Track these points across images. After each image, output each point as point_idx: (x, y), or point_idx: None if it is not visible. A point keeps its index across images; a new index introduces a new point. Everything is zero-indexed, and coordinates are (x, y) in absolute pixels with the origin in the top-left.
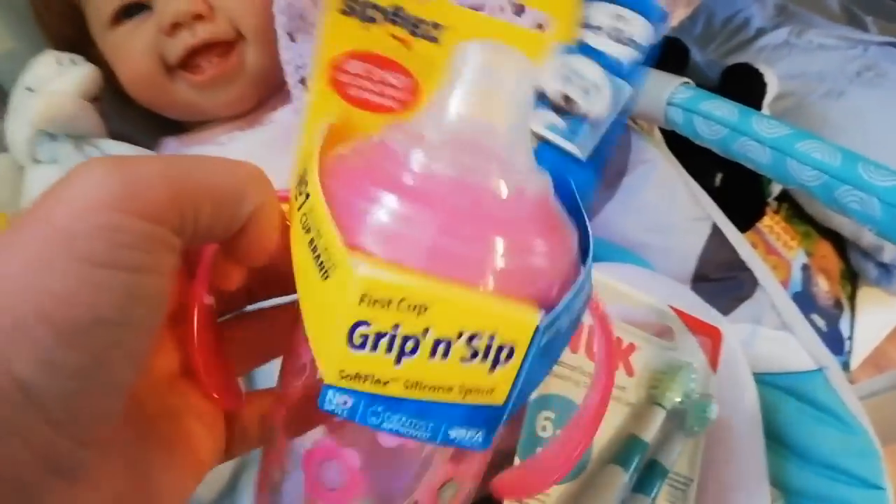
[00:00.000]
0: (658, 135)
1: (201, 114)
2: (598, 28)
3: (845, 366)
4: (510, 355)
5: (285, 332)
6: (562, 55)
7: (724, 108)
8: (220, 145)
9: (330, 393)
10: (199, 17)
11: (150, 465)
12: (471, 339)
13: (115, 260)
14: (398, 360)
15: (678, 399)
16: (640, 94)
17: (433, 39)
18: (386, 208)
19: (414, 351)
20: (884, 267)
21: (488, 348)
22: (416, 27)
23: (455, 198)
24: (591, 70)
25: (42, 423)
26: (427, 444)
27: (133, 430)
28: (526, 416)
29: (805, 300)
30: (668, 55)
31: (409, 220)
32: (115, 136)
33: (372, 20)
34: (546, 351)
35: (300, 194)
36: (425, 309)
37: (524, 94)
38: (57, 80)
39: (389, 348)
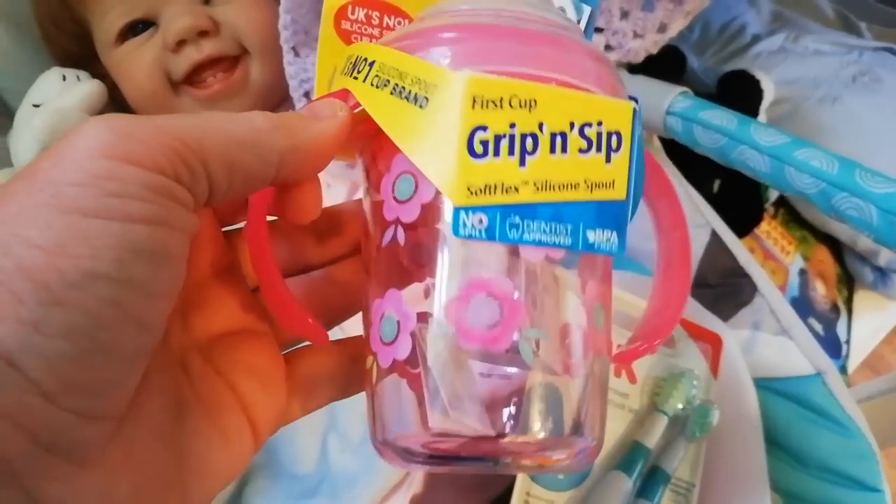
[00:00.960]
0: (657, 143)
1: None
2: None
3: (843, 369)
4: (619, 143)
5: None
6: None
7: (723, 117)
8: None
9: (462, 215)
10: (204, 34)
11: (191, 439)
12: (582, 129)
13: (108, 209)
14: (522, 161)
15: (680, 405)
16: (641, 104)
17: None
18: (457, 37)
19: (535, 149)
20: (880, 271)
21: (599, 137)
22: None
23: (514, 27)
24: None
25: (31, 394)
26: (570, 251)
27: (166, 399)
28: None
29: (802, 305)
30: (666, 62)
31: (485, 40)
32: None
33: None
34: (640, 152)
35: (357, 73)
36: (535, 103)
37: None
38: (62, 97)
39: (511, 150)
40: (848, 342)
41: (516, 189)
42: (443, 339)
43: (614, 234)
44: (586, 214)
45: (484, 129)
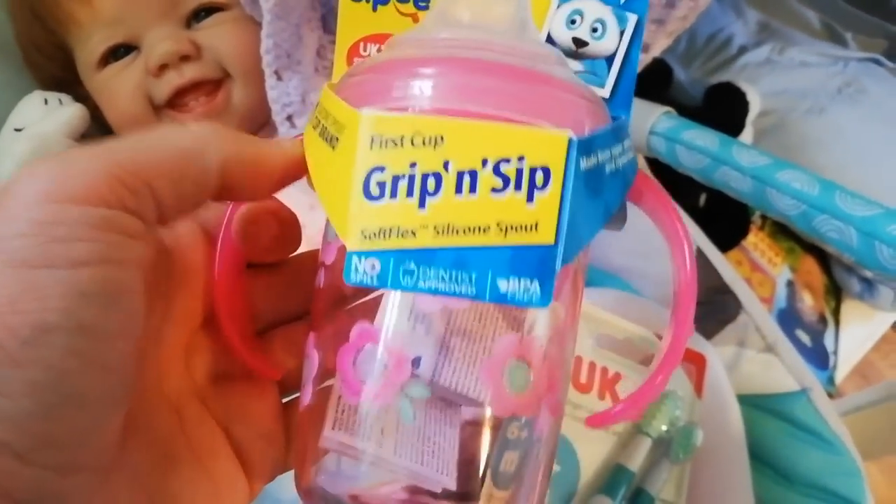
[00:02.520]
0: (641, 161)
1: None
2: None
3: (830, 380)
4: (546, 180)
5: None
6: (563, 1)
7: (706, 138)
8: None
9: (354, 260)
10: (186, 58)
11: (179, 490)
12: (497, 166)
13: (53, 257)
14: (422, 203)
15: (664, 427)
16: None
17: None
18: (386, 72)
19: (437, 189)
20: (867, 281)
21: (519, 174)
22: (420, 1)
23: (458, 56)
24: (593, 7)
25: (3, 456)
26: (474, 301)
27: (155, 448)
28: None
29: (790, 316)
30: (653, 75)
31: (412, 75)
32: None
33: (381, 2)
34: (590, 186)
35: (312, 116)
36: (441, 139)
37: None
38: (44, 121)
39: (410, 191)
40: (835, 353)
41: (413, 233)
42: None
43: (535, 283)
44: (497, 261)
45: (381, 169)
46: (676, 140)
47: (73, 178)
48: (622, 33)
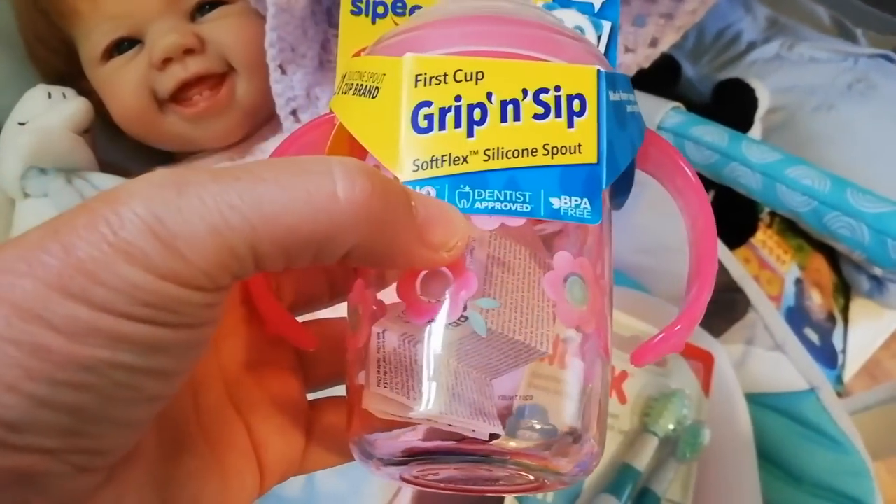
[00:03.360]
0: None
1: (192, 145)
2: None
3: (839, 379)
4: (583, 106)
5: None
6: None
7: (715, 133)
8: None
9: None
10: (190, 52)
11: (185, 481)
12: (537, 95)
13: (137, 315)
14: (470, 132)
15: (671, 426)
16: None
17: None
18: (415, 30)
19: (483, 119)
20: (876, 279)
21: (558, 101)
22: None
23: (484, 13)
24: (571, 16)
25: (30, 454)
26: (531, 219)
27: (165, 434)
28: None
29: (798, 314)
30: (661, 71)
31: (442, 26)
32: (106, 165)
33: (379, 15)
34: (618, 117)
35: (336, 90)
36: (482, 75)
37: None
38: (48, 115)
39: (458, 122)
40: (844, 351)
41: (465, 159)
42: (389, 337)
43: (585, 200)
44: (547, 180)
45: (428, 104)
46: (685, 135)
47: (177, 250)
48: (599, 38)
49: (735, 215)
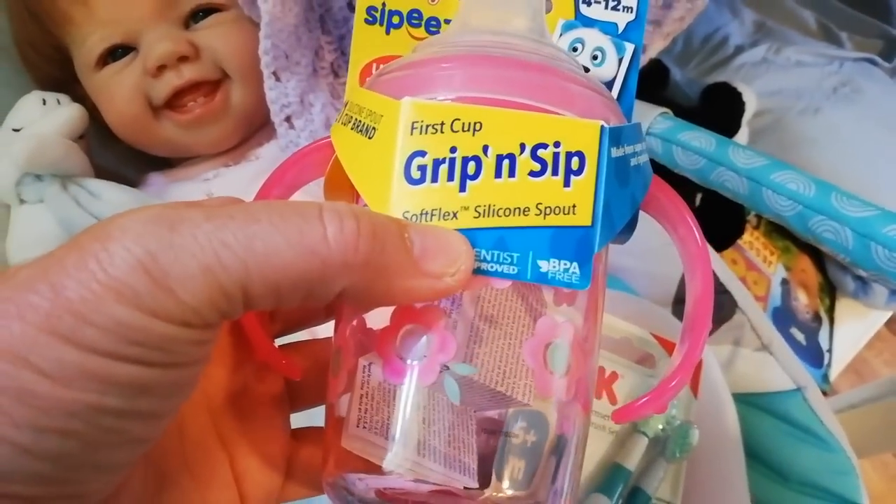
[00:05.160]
0: None
1: (187, 151)
2: (595, 1)
3: (825, 378)
4: (581, 165)
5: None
6: (566, 30)
7: (702, 139)
8: (206, 181)
9: None
10: (184, 59)
11: None
12: (535, 150)
13: (125, 355)
14: (462, 186)
15: (660, 426)
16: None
17: None
18: (419, 67)
19: (477, 173)
20: (860, 280)
21: (556, 158)
22: (432, 25)
23: (489, 53)
24: (593, 37)
25: (11, 500)
26: (518, 282)
27: (151, 469)
28: None
29: (785, 315)
30: (650, 75)
31: (445, 68)
32: (101, 171)
33: (394, 25)
34: (619, 175)
35: (338, 118)
36: (480, 126)
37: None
38: (42, 121)
39: (451, 175)
40: (830, 351)
41: (455, 215)
42: (374, 372)
43: (575, 264)
44: (537, 242)
45: (422, 154)
46: (673, 141)
47: (167, 288)
48: (620, 60)
49: (722, 217)
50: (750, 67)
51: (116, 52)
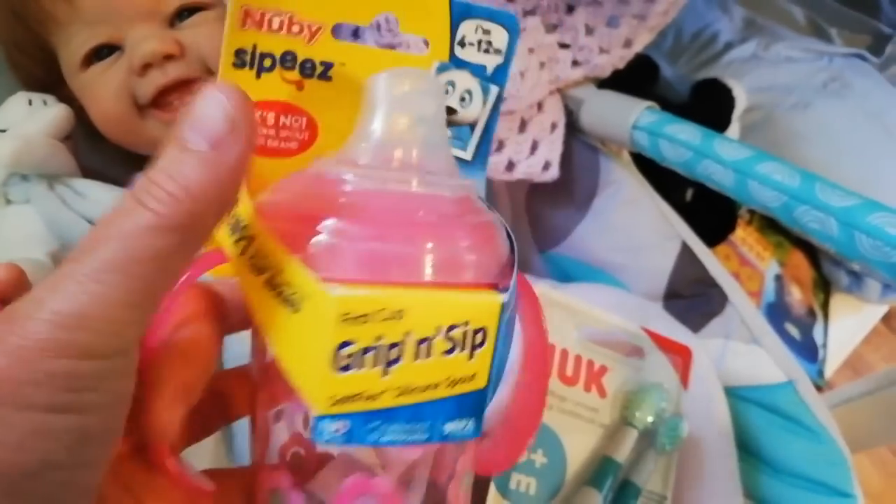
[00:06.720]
0: (626, 156)
1: None
2: (470, 43)
3: (820, 373)
4: (484, 338)
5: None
6: (440, 72)
7: (688, 132)
8: None
9: (322, 424)
10: (169, 57)
11: None
12: (449, 331)
13: (62, 404)
14: (386, 371)
15: (650, 419)
16: (602, 119)
17: (326, 77)
18: (329, 231)
19: (399, 358)
20: (854, 274)
21: (465, 335)
22: (308, 68)
23: (391, 208)
24: (463, 79)
25: None
26: (424, 444)
27: None
28: None
29: (779, 310)
30: (639, 71)
31: (354, 237)
32: (88, 171)
33: (265, 69)
34: (507, 333)
35: (239, 240)
36: (402, 314)
37: (435, 109)
38: (28, 122)
39: (376, 361)
40: (825, 346)
41: (377, 397)
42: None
43: (471, 420)
44: (445, 409)
45: (350, 343)
46: (659, 134)
47: (84, 328)
48: (484, 102)
49: (714, 213)
50: (740, 63)
51: (102, 52)
